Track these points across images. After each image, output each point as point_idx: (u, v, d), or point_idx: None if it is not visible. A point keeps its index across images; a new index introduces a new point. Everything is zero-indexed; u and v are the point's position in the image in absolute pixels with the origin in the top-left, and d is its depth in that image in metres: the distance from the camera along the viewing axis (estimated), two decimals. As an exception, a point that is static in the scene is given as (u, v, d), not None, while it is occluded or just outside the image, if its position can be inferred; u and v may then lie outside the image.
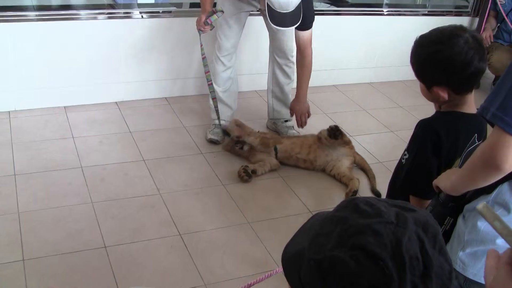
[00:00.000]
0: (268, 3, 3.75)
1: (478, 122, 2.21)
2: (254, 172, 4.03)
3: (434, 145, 2.20)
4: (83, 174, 3.87)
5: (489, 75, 5.96)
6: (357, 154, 4.29)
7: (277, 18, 3.82)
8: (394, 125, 5.01)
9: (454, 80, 2.15)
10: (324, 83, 5.64)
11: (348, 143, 4.22)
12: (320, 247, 0.99)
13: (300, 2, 3.80)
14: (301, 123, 4.47)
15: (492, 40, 5.96)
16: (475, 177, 1.76)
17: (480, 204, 0.97)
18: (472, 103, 2.24)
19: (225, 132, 4.38)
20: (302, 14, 3.88)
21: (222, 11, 4.05)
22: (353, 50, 5.73)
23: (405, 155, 2.29)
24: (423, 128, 2.25)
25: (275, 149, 4.19)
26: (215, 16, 4.04)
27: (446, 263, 0.97)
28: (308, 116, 4.47)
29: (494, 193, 1.85)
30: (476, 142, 2.17)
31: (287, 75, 4.49)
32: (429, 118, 2.29)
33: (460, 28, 2.17)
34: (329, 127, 4.09)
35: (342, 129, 4.15)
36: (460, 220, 1.97)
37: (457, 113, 2.23)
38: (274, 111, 4.61)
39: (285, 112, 4.60)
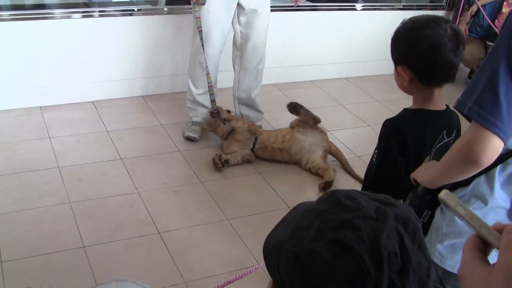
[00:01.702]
0: None
1: (447, 118, 2.20)
2: (226, 161, 4.08)
3: (399, 145, 2.16)
4: (60, 174, 3.84)
5: (464, 68, 6.00)
6: (332, 144, 4.31)
7: None
8: (371, 119, 5.04)
9: (418, 63, 2.09)
10: (301, 79, 5.65)
11: (316, 121, 4.26)
12: (299, 240, 0.98)
13: None
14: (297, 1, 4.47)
15: (467, 34, 6.01)
16: (452, 171, 1.77)
17: (442, 192, 0.97)
18: (441, 99, 2.20)
19: (215, 114, 4.31)
20: None
21: None
22: (329, 45, 5.74)
23: (375, 153, 2.28)
24: (388, 128, 2.22)
25: (255, 139, 4.22)
26: None
27: (425, 259, 0.97)
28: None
29: (471, 186, 1.86)
30: (445, 139, 2.18)
31: (254, 78, 4.43)
32: (393, 117, 2.23)
33: (443, 18, 2.14)
34: (287, 104, 4.21)
35: (301, 104, 4.22)
36: (438, 213, 1.98)
37: (423, 111, 2.18)
38: (242, 116, 4.59)
39: (254, 116, 4.59)
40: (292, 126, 4.28)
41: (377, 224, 0.95)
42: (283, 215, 1.14)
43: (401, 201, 2.17)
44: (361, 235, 0.93)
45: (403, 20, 2.15)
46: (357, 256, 0.92)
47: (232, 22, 4.18)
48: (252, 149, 4.23)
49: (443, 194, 0.96)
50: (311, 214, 1.01)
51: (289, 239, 1.01)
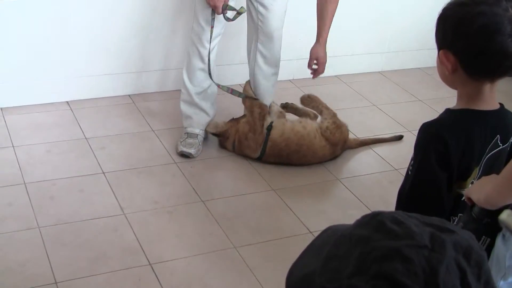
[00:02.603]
0: None
1: (502, 120, 2.17)
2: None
3: (439, 155, 2.12)
4: (26, 192, 3.84)
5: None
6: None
7: None
8: (412, 123, 5.01)
9: (464, 47, 2.04)
10: (324, 73, 5.63)
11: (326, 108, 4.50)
12: (335, 273, 0.97)
13: None
14: (317, 74, 4.54)
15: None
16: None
17: (504, 212, 0.96)
18: (493, 97, 2.16)
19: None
20: None
21: (243, 11, 4.17)
22: (359, 32, 5.74)
23: (411, 164, 2.25)
24: (425, 134, 2.18)
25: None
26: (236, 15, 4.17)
27: None
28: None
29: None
30: (499, 146, 2.15)
31: (272, 64, 4.49)
32: (432, 120, 2.20)
33: None
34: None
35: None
36: (498, 241, 1.96)
37: (470, 111, 2.15)
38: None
39: None
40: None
41: (433, 255, 0.94)
42: (304, 242, 1.13)
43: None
44: (414, 268, 0.92)
45: None
46: None
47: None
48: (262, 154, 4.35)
49: (505, 216, 0.96)
50: (348, 241, 1.00)
51: (321, 272, 0.99)
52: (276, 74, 4.48)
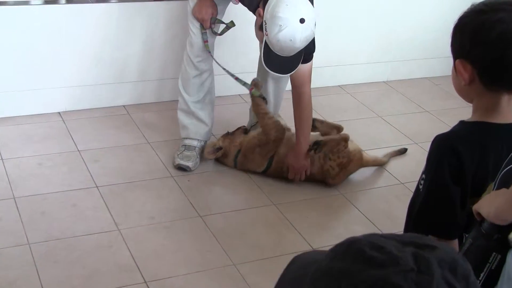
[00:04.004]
0: (266, 41, 3.80)
1: None
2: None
3: (453, 169, 2.12)
4: (16, 206, 3.84)
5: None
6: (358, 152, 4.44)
7: (273, 61, 3.89)
8: (419, 135, 5.02)
9: (482, 56, 2.03)
10: (326, 83, 5.64)
11: (339, 129, 4.46)
12: None
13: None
14: (296, 180, 4.35)
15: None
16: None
17: None
18: (510, 110, 2.15)
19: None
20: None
21: (232, 25, 4.24)
22: (363, 40, 5.75)
23: (423, 178, 2.24)
24: (438, 147, 2.17)
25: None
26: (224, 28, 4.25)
27: None
28: (306, 174, 4.31)
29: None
30: None
31: (280, 87, 4.57)
32: (446, 133, 2.20)
33: None
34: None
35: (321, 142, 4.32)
36: (510, 258, 1.95)
37: (485, 124, 2.15)
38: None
39: None
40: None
41: (422, 277, 0.94)
42: (307, 259, 1.12)
43: (456, 242, 2.15)
44: None
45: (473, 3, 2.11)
46: None
47: None
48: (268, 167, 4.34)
49: None
50: (328, 276, 0.99)
51: None
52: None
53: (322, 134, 4.42)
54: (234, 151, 4.35)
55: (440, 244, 1.00)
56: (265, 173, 4.34)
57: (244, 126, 4.49)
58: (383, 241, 0.99)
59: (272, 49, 3.79)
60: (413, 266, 0.94)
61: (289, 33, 3.67)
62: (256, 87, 4.28)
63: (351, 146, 4.34)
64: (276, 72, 4.02)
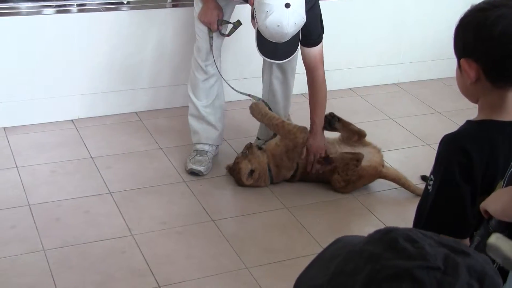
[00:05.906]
0: (258, 29, 3.81)
1: None
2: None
3: (462, 168, 2.11)
4: (31, 213, 3.86)
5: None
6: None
7: (266, 47, 3.89)
8: (430, 136, 5.01)
9: (487, 53, 2.04)
10: (337, 86, 5.63)
11: (361, 135, 4.44)
12: None
13: (299, 31, 3.85)
14: (314, 166, 4.32)
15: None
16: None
17: (492, 236, 0.96)
18: None
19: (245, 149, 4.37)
20: (308, 30, 3.94)
21: (239, 24, 4.23)
22: (374, 42, 5.75)
23: (431, 179, 2.23)
24: (447, 147, 2.17)
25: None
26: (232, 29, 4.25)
27: None
28: (324, 156, 4.31)
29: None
30: None
31: (288, 86, 4.56)
32: (454, 132, 2.18)
33: None
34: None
35: (336, 115, 4.39)
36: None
37: (493, 122, 2.14)
38: (266, 130, 4.58)
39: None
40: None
41: (446, 278, 0.94)
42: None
43: (468, 241, 2.15)
44: None
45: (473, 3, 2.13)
46: None
47: None
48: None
49: (494, 239, 0.96)
50: (358, 257, 1.00)
51: (328, 287, 1.00)
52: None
53: (342, 138, 4.42)
54: (265, 166, 4.27)
55: (476, 254, 1.00)
56: (293, 177, 4.32)
57: (250, 142, 4.40)
58: (419, 237, 1.00)
59: (264, 36, 3.81)
60: (440, 265, 0.95)
61: (276, 18, 3.67)
62: (253, 98, 4.36)
63: (371, 160, 4.31)
64: (270, 59, 4.03)
